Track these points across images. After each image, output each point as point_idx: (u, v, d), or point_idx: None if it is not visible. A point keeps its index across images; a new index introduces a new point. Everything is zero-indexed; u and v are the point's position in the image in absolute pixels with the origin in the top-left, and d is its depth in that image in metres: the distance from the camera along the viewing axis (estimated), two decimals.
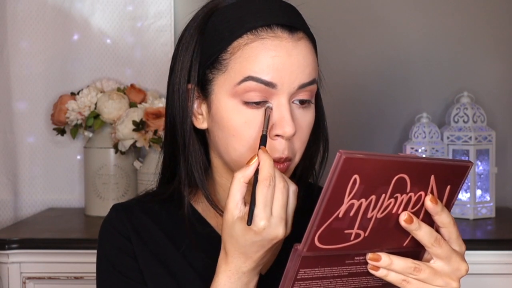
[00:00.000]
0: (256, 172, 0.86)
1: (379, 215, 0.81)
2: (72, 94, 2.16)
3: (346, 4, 2.25)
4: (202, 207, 1.04)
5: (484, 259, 1.77)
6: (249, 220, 0.84)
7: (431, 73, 2.25)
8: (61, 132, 2.17)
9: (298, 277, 0.81)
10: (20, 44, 2.22)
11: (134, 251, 1.01)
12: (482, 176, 2.09)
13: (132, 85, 2.16)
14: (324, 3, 2.24)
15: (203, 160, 1.00)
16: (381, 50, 2.25)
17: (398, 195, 0.81)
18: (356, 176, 0.76)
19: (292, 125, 0.92)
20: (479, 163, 2.08)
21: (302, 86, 0.94)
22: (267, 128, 0.91)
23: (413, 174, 0.80)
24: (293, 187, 0.87)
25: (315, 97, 1.00)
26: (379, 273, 0.84)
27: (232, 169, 0.98)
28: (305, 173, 1.06)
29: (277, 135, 0.93)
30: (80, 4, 2.23)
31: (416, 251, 0.86)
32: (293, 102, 0.95)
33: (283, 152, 0.93)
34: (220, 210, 1.00)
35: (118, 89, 2.16)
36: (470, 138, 2.07)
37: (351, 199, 0.78)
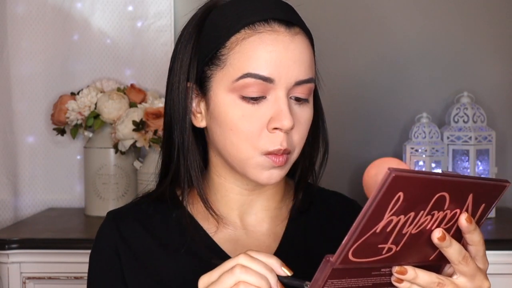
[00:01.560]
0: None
1: (413, 231, 0.79)
2: (72, 94, 2.16)
3: (345, 4, 2.25)
4: (197, 208, 1.03)
5: None
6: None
7: (431, 73, 2.25)
8: (61, 132, 2.17)
9: (325, 287, 0.80)
10: (20, 44, 2.22)
11: (120, 265, 1.01)
12: (482, 176, 2.08)
13: (132, 85, 2.16)
14: (323, 3, 2.24)
15: (200, 160, 1.00)
16: (381, 50, 2.25)
17: (435, 212, 0.79)
18: (400, 193, 0.75)
19: (290, 118, 0.92)
20: (479, 163, 2.08)
21: (299, 83, 0.94)
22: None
23: (453, 193, 0.79)
24: None
25: (314, 97, 1.00)
26: (403, 286, 0.82)
27: (230, 165, 0.98)
28: (304, 173, 1.06)
29: (275, 128, 0.93)
30: (80, 4, 2.23)
31: (438, 264, 0.85)
32: (290, 98, 0.95)
33: (281, 144, 0.93)
34: (214, 211, 1.00)
35: (118, 89, 2.16)
36: (470, 138, 2.07)
37: (391, 216, 0.76)
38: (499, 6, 2.25)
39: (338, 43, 2.23)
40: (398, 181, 0.73)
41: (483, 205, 0.83)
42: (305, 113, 0.96)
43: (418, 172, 0.75)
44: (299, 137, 0.96)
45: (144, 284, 0.99)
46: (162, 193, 1.03)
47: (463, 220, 0.81)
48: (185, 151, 0.99)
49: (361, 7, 2.25)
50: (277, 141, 0.93)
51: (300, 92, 0.95)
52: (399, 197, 0.75)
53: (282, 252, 0.98)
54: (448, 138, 2.10)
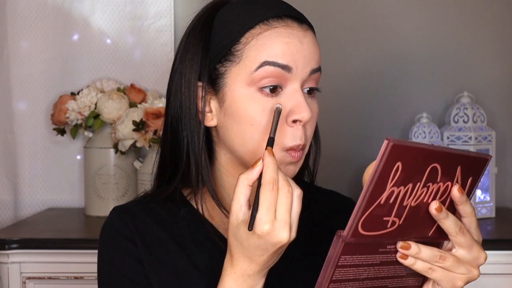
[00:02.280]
0: (261, 175, 0.86)
1: (413, 204, 0.84)
2: (72, 94, 2.16)
3: (345, 4, 2.25)
4: (204, 206, 1.03)
5: None
6: (250, 225, 0.84)
7: (431, 73, 2.25)
8: (61, 132, 2.17)
9: (339, 263, 0.83)
10: (20, 44, 2.22)
11: (139, 254, 1.00)
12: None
13: (132, 85, 2.16)
14: (323, 2, 2.24)
15: (208, 159, 1.01)
16: (381, 50, 2.25)
17: (430, 184, 0.84)
18: (399, 163, 0.80)
19: (308, 110, 0.94)
20: None
21: (313, 72, 0.97)
22: (275, 130, 0.90)
23: (444, 165, 0.84)
24: (297, 191, 0.86)
25: None
26: (407, 262, 0.86)
27: (245, 161, 0.98)
28: (300, 171, 1.06)
29: (294, 121, 0.94)
30: (80, 4, 2.23)
31: (437, 242, 0.89)
32: (302, 90, 0.97)
33: (300, 139, 0.95)
34: (224, 209, 1.00)
35: (118, 89, 2.16)
36: (470, 138, 2.07)
37: (392, 186, 0.81)
38: (499, 6, 2.25)
39: (337, 43, 2.23)
40: (396, 150, 0.79)
41: (471, 178, 0.88)
42: (315, 106, 0.99)
43: (413, 142, 0.81)
44: (311, 131, 0.98)
45: (160, 276, 0.99)
46: (172, 193, 1.03)
47: (455, 190, 0.86)
48: (196, 151, 0.99)
49: (361, 7, 2.25)
50: (297, 136, 0.95)
51: (312, 82, 0.97)
52: (398, 166, 0.80)
53: (288, 250, 0.98)
54: (448, 138, 2.10)
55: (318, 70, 0.98)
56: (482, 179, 2.07)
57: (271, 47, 0.94)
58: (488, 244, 1.80)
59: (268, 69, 0.94)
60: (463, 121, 2.10)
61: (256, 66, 0.94)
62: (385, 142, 0.78)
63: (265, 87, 0.94)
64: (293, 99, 0.94)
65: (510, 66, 2.25)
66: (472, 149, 2.06)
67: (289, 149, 0.95)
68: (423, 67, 2.25)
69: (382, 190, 0.80)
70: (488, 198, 2.08)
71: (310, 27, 0.99)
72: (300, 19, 0.98)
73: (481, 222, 2.02)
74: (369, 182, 0.80)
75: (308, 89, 0.97)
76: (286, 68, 0.94)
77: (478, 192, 2.07)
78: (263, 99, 0.94)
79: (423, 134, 2.09)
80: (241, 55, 0.95)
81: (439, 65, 2.25)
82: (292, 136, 0.95)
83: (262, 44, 0.94)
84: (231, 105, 0.96)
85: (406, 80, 2.25)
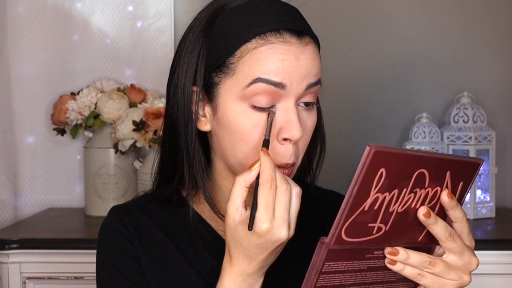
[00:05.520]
0: (258, 176, 0.86)
1: (399, 210, 0.83)
2: (72, 94, 2.16)
3: (345, 4, 2.25)
4: (202, 208, 1.04)
5: (484, 259, 1.76)
6: (250, 225, 0.84)
7: (431, 73, 2.25)
8: (61, 132, 2.17)
9: (323, 270, 0.83)
10: (20, 44, 2.22)
11: (137, 254, 1.00)
12: (482, 176, 2.09)
13: (132, 85, 2.16)
14: (324, 3, 2.24)
15: (204, 162, 1.00)
16: (381, 50, 2.25)
17: (417, 190, 0.83)
18: (382, 169, 0.78)
19: (299, 129, 0.92)
20: None
21: (310, 87, 0.94)
22: (269, 132, 0.90)
23: (432, 170, 0.82)
24: (296, 189, 0.86)
25: None
26: (396, 268, 0.86)
27: (236, 171, 0.98)
28: (302, 173, 1.06)
29: (285, 139, 0.93)
30: (80, 4, 2.23)
31: (428, 247, 0.88)
32: (298, 104, 0.95)
33: (290, 157, 0.94)
34: (219, 211, 1.00)
35: (118, 89, 2.16)
36: (470, 138, 2.07)
37: (376, 193, 0.80)
38: (499, 6, 2.25)
39: (338, 43, 2.23)
40: (379, 156, 0.77)
41: (461, 183, 0.87)
42: (311, 120, 0.97)
43: (397, 148, 0.79)
44: (303, 146, 0.97)
45: (158, 275, 1.00)
46: (170, 194, 1.04)
47: (444, 196, 0.85)
48: (190, 156, 0.99)
49: (361, 7, 2.25)
50: (287, 155, 0.94)
51: (309, 97, 0.95)
52: (381, 173, 0.78)
53: (286, 251, 0.98)
54: (448, 138, 2.10)
55: (316, 84, 0.95)
56: (482, 179, 2.07)
57: (266, 63, 0.92)
58: (488, 244, 1.80)
59: (261, 86, 0.92)
60: (463, 121, 2.10)
61: (248, 81, 0.92)
62: (367, 148, 0.77)
63: (258, 106, 0.93)
64: (285, 116, 0.93)
65: (510, 66, 2.25)
66: (472, 149, 2.06)
67: (278, 166, 0.93)
68: (423, 67, 2.25)
69: (366, 197, 0.79)
70: (488, 198, 2.08)
71: (313, 39, 0.96)
72: (301, 32, 0.94)
73: (481, 222, 2.02)
74: (351, 189, 0.78)
75: (304, 102, 0.96)
76: (279, 85, 0.92)
77: (478, 192, 2.08)
78: (255, 114, 0.93)
79: (423, 134, 2.09)
80: (235, 69, 0.93)
81: (439, 65, 2.25)
82: (282, 154, 0.93)
83: (257, 59, 0.92)
84: (223, 117, 0.95)
85: (406, 80, 2.25)
